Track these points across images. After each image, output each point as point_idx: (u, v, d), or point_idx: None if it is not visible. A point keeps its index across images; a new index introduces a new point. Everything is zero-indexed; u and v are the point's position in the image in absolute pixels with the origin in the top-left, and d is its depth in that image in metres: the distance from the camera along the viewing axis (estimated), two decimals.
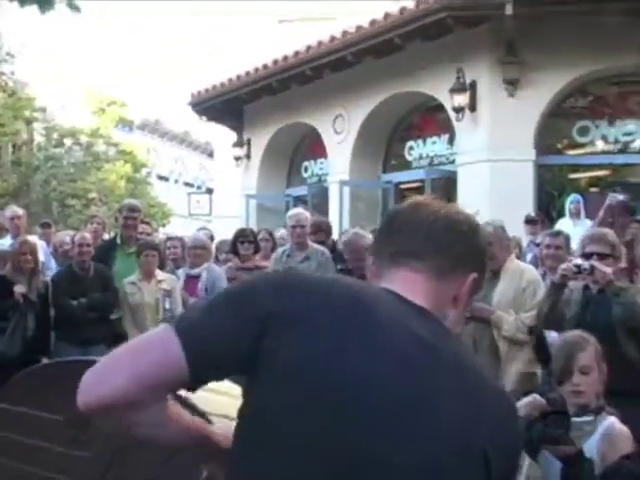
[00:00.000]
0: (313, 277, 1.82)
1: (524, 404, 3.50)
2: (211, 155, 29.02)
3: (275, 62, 16.15)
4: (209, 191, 28.43)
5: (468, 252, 1.90)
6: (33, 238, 8.58)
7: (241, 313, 1.63)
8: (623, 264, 6.37)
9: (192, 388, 1.66)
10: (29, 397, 3.29)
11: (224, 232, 16.22)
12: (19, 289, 7.67)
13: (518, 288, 6.35)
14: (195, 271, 8.71)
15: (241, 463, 1.67)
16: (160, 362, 1.57)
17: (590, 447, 3.49)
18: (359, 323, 1.68)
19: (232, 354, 1.64)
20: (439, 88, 13.93)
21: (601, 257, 5.86)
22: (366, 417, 1.61)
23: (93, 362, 3.15)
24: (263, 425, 1.64)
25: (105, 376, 1.56)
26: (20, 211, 10.52)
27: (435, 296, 1.85)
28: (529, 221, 11.07)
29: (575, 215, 11.71)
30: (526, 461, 2.98)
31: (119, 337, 8.15)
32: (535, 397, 3.52)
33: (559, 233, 7.63)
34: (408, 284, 1.83)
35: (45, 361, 7.84)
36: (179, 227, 25.37)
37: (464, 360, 1.79)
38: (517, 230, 10.27)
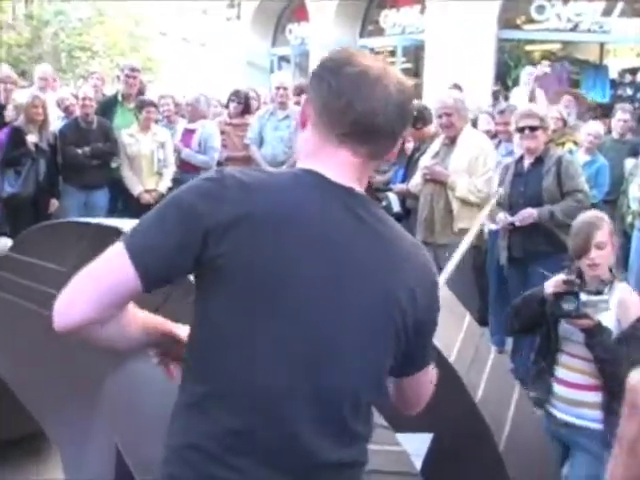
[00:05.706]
0: (242, 181, 1.67)
1: (552, 282, 3.61)
2: (205, 12, 28.18)
3: None
4: (202, 45, 27.82)
5: (405, 128, 1.81)
6: (44, 94, 8.37)
7: (180, 230, 1.62)
8: None
9: (147, 292, 1.68)
10: (37, 250, 3.30)
11: (215, 82, 16.01)
12: (31, 139, 7.62)
13: (472, 155, 6.31)
14: (192, 125, 8.72)
15: (199, 364, 1.71)
16: (118, 283, 1.61)
17: (607, 319, 3.56)
18: (286, 222, 1.66)
19: (178, 267, 1.67)
20: None
21: (532, 129, 5.88)
22: (310, 297, 1.67)
23: (97, 225, 3.17)
24: (211, 327, 1.69)
25: (73, 303, 1.60)
26: (49, 71, 10.15)
27: (366, 172, 1.79)
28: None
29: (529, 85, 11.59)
30: (492, 354, 3.07)
31: (117, 182, 8.23)
32: (559, 278, 3.60)
33: (503, 110, 7.64)
34: (342, 167, 1.73)
35: (55, 203, 7.90)
36: (173, 80, 24.86)
37: (384, 230, 1.77)
38: (479, 96, 10.28)
